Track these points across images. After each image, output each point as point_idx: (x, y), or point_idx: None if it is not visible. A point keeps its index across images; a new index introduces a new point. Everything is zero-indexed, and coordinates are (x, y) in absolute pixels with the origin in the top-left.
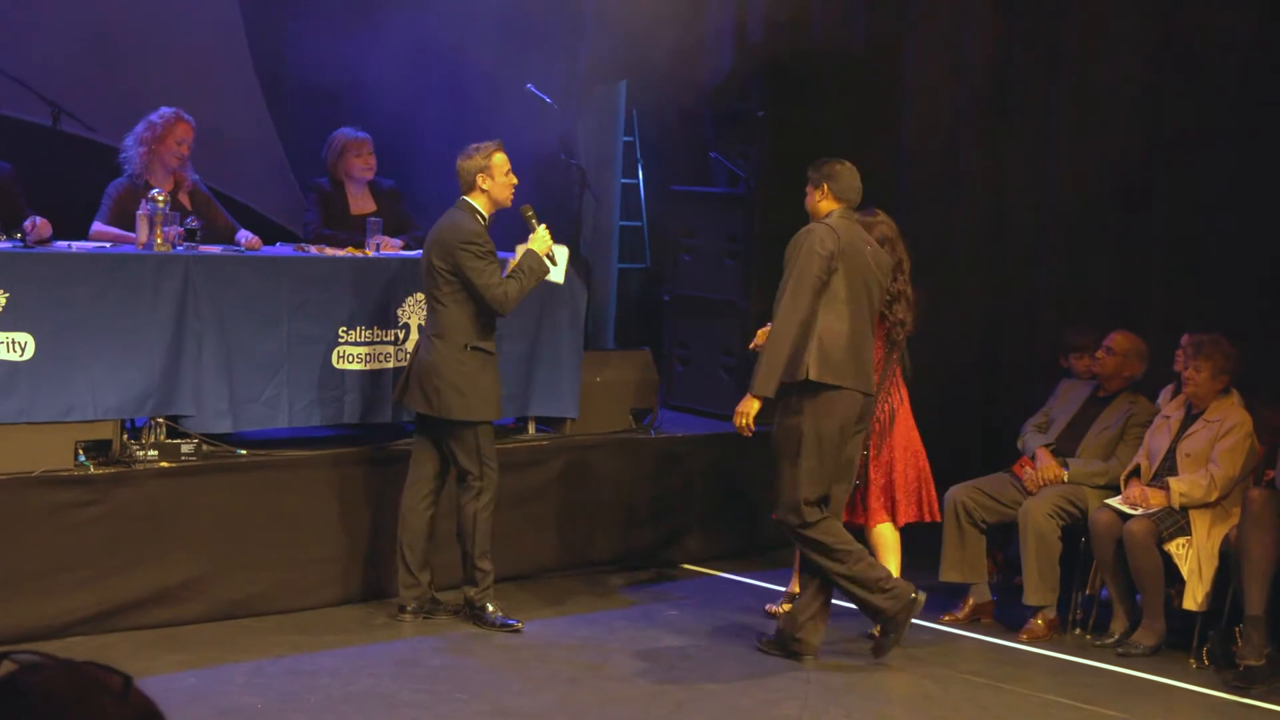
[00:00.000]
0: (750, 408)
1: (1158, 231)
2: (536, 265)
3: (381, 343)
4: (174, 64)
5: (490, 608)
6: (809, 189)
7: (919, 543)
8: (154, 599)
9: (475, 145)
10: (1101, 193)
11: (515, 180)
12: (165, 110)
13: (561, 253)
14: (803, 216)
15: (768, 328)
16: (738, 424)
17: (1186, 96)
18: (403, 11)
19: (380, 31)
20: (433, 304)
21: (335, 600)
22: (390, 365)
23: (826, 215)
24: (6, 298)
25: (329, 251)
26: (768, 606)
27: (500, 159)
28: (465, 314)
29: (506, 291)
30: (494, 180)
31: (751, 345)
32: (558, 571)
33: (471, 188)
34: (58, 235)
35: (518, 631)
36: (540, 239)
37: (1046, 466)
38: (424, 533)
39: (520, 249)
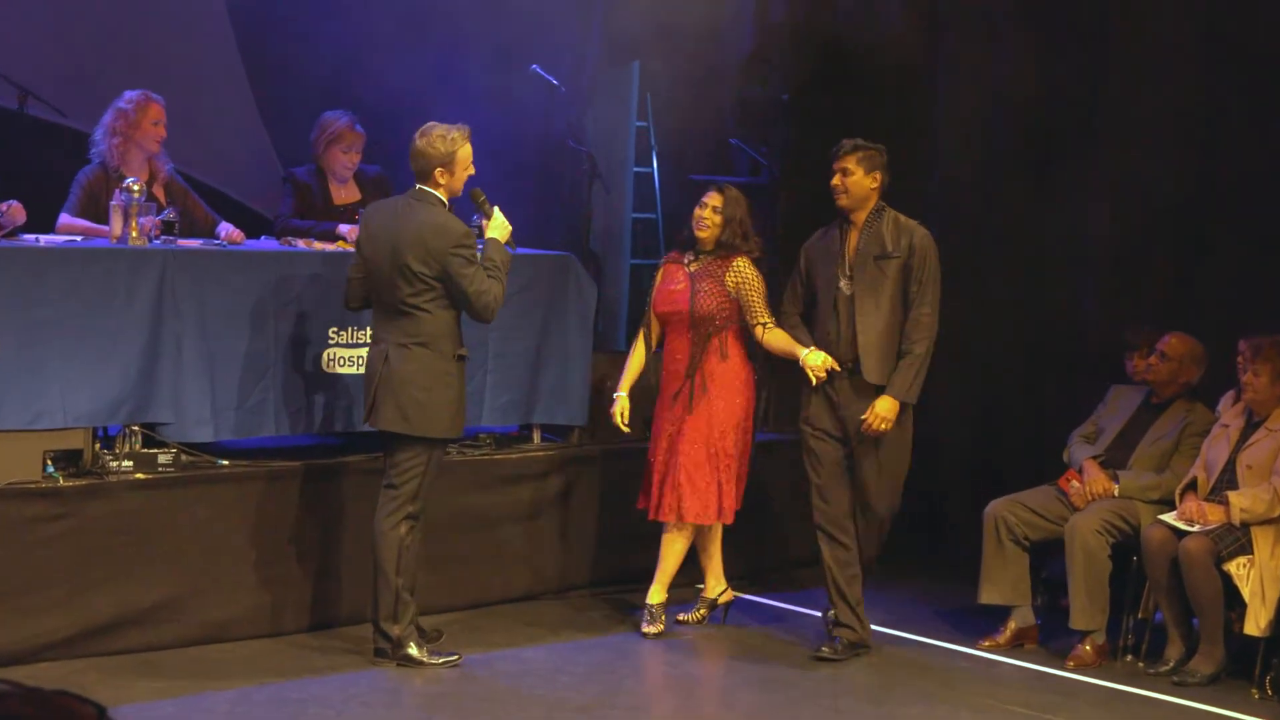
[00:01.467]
0: (893, 412)
1: (1216, 227)
2: (504, 257)
3: None
4: (147, 40)
5: (415, 650)
6: (862, 168)
7: (956, 560)
8: (129, 621)
9: (438, 128)
10: (1156, 191)
11: (473, 172)
12: (131, 94)
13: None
14: (827, 208)
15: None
16: (876, 426)
17: (1240, 103)
18: None
19: (374, 5)
20: (408, 309)
21: (323, 623)
22: None
23: (879, 206)
24: None
25: (318, 246)
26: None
27: (466, 152)
28: (451, 320)
29: (495, 296)
30: (453, 175)
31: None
32: (565, 593)
33: (427, 176)
34: (23, 228)
35: (457, 665)
36: (499, 225)
37: (1095, 479)
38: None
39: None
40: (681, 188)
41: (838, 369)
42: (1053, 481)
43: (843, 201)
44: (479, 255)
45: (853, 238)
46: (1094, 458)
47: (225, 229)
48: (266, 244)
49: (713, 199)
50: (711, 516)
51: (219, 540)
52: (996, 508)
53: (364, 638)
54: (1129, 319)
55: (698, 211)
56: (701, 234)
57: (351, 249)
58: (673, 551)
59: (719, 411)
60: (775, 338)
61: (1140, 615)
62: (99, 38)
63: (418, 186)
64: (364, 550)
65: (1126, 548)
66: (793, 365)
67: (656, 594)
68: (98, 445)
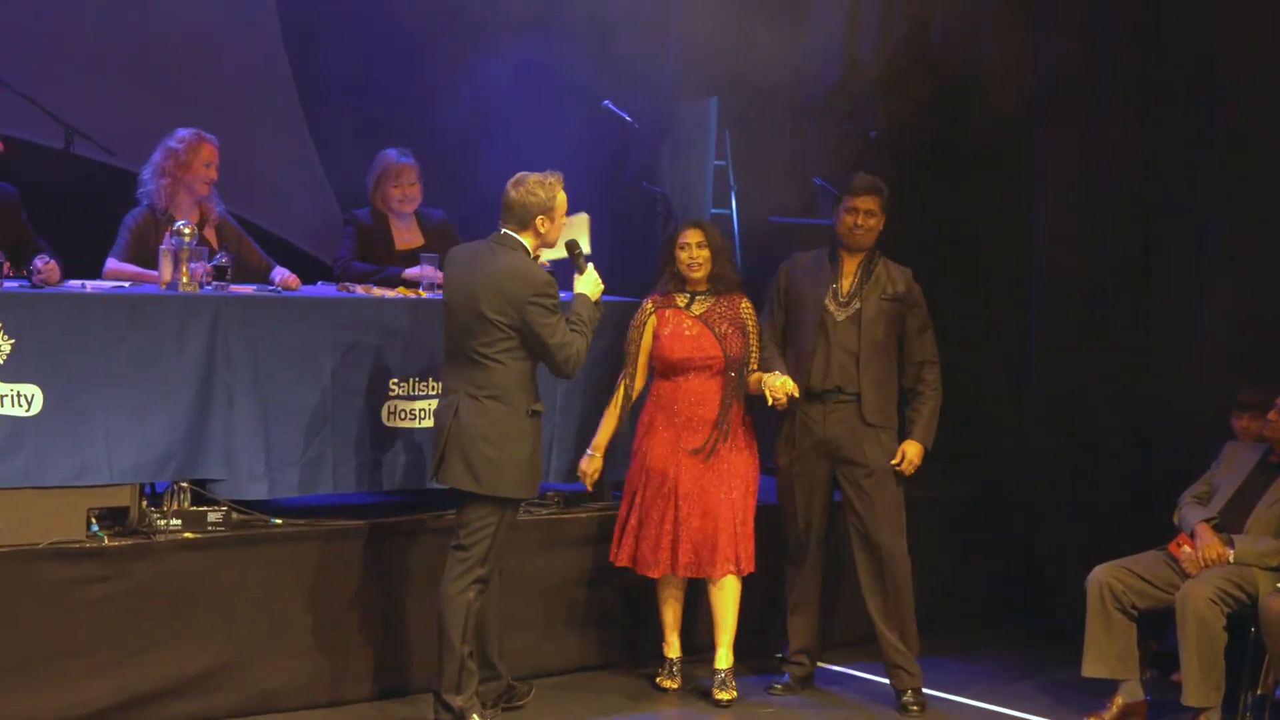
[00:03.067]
0: (921, 458)
1: None
2: (591, 313)
3: (437, 396)
4: (199, 78)
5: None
6: (880, 210)
7: (1058, 630)
8: (176, 689)
9: (534, 176)
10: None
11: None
12: (183, 132)
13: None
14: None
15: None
16: (908, 471)
17: None
18: (462, 20)
19: (437, 41)
20: (481, 360)
21: (385, 692)
22: None
23: (871, 249)
24: (11, 345)
25: (376, 292)
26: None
27: (564, 199)
28: (526, 372)
29: (579, 350)
30: (553, 224)
31: (781, 394)
32: (629, 667)
33: (525, 226)
34: (69, 272)
35: None
36: (591, 281)
37: (1208, 544)
38: (488, 618)
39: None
40: (762, 231)
41: (797, 396)
42: (1162, 546)
43: (863, 241)
44: (560, 307)
45: (848, 267)
46: (1207, 520)
47: (280, 274)
48: (323, 289)
49: (693, 235)
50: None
51: (273, 604)
52: (1101, 574)
53: (427, 707)
54: (1243, 369)
55: (681, 254)
56: (697, 274)
57: (413, 294)
58: (732, 608)
59: (749, 457)
60: (752, 380)
61: (1259, 691)
62: (149, 75)
63: (502, 231)
64: (428, 614)
65: (1243, 618)
66: None
67: (725, 659)
68: (145, 503)
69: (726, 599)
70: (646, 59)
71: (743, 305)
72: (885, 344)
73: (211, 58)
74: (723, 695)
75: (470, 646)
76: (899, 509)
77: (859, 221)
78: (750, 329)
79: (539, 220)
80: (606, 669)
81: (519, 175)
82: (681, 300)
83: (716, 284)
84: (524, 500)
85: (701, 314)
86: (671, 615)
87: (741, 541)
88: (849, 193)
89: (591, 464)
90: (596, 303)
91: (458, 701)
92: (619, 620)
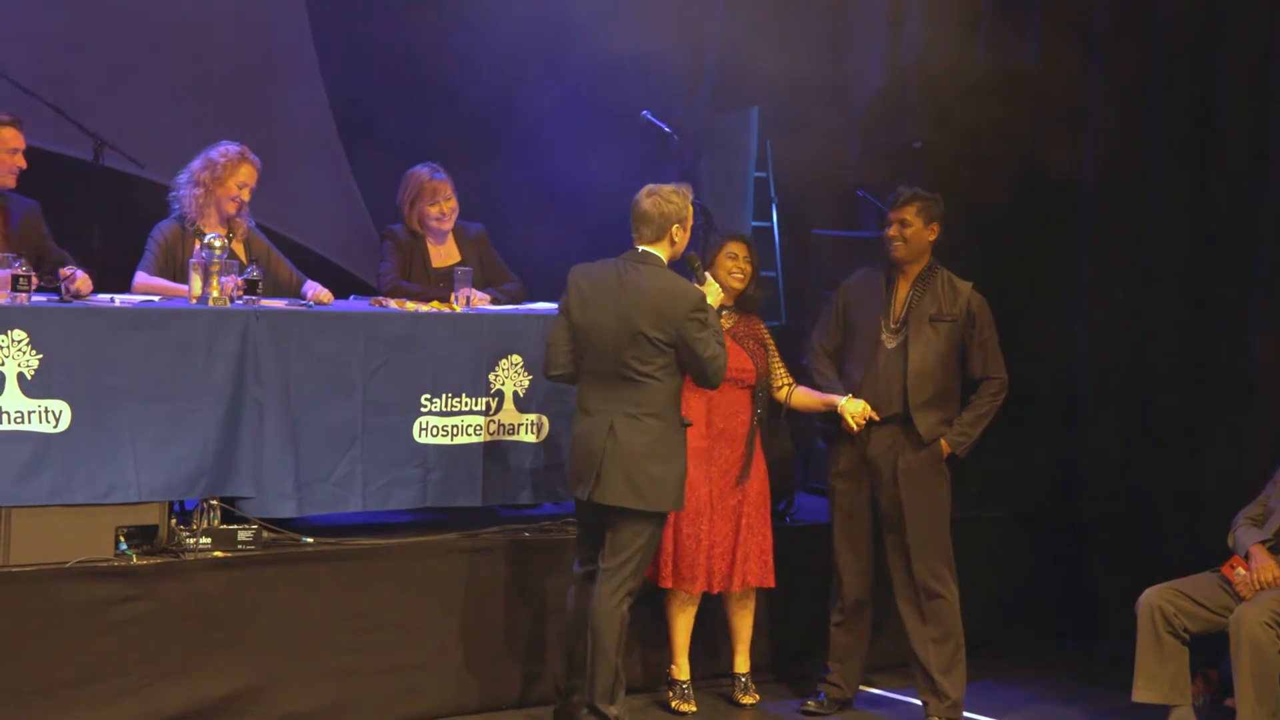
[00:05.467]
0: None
1: None
2: (718, 324)
3: (470, 413)
4: (232, 90)
5: None
6: (921, 219)
7: (1109, 654)
8: (204, 712)
9: (665, 187)
10: None
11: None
12: (229, 146)
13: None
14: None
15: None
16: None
17: None
18: (498, 34)
19: (469, 55)
20: (637, 378)
21: (416, 716)
22: (480, 439)
23: (932, 263)
24: (40, 359)
25: (410, 307)
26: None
27: (692, 210)
28: (677, 387)
29: (724, 361)
30: (685, 233)
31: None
32: (640, 689)
33: (662, 237)
34: (98, 286)
35: None
36: (714, 291)
37: (1264, 567)
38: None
39: None
40: (804, 243)
41: (876, 419)
42: (1215, 569)
43: (900, 253)
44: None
45: (902, 290)
46: (1262, 542)
47: (311, 288)
48: (355, 304)
49: (739, 249)
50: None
51: (303, 625)
52: (1153, 596)
53: None
54: None
55: (729, 264)
56: (739, 285)
57: (447, 309)
58: (749, 621)
59: (765, 472)
60: (803, 395)
61: None
62: (182, 87)
63: (640, 249)
64: (463, 635)
65: None
66: None
67: (745, 663)
68: (174, 521)
69: (749, 611)
70: (686, 69)
71: (760, 326)
72: (937, 368)
73: (248, 74)
74: (747, 699)
75: (621, 658)
76: (922, 517)
77: (893, 233)
78: (771, 349)
79: (675, 229)
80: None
81: (650, 186)
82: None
83: (742, 303)
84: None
85: (729, 329)
86: (683, 635)
87: (768, 554)
88: (888, 206)
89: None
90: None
91: (612, 711)
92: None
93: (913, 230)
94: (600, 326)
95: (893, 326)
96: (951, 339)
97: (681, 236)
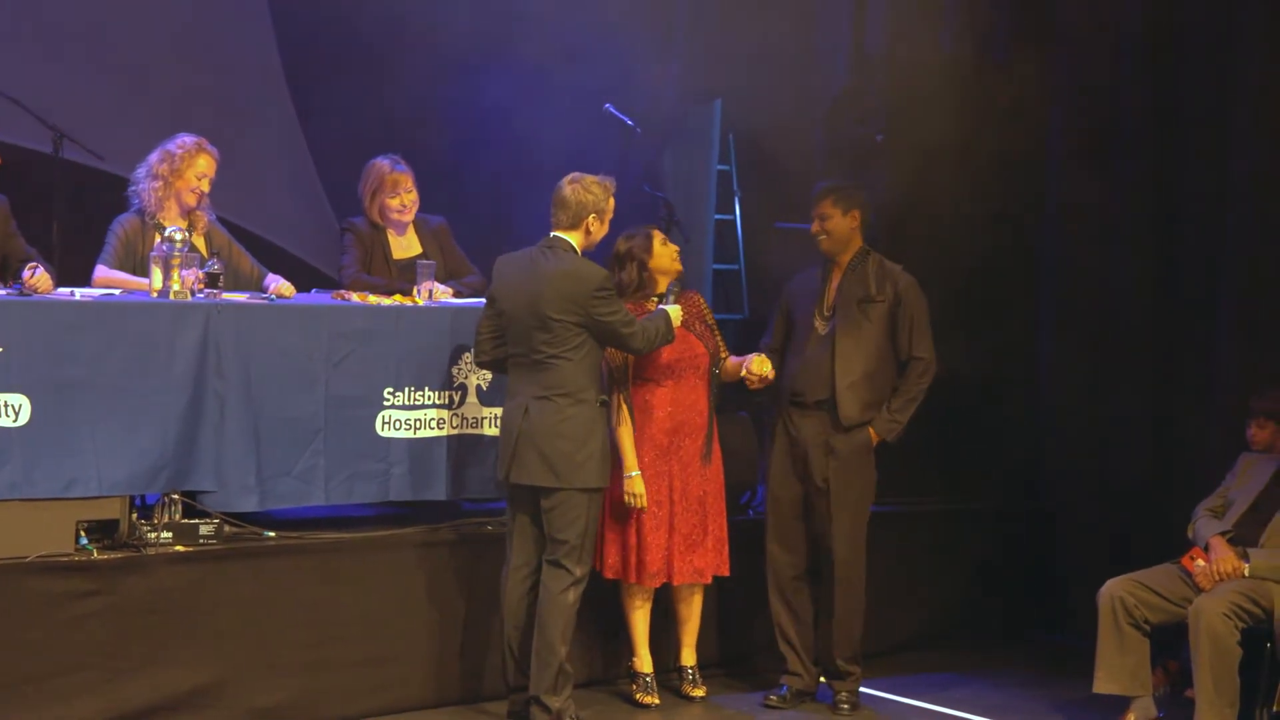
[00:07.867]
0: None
1: None
2: (665, 329)
3: (433, 406)
4: (191, 82)
5: None
6: (839, 209)
7: (1071, 645)
8: (167, 707)
9: (588, 177)
10: None
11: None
12: (185, 139)
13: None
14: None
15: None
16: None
17: None
18: (462, 25)
19: (434, 48)
20: (548, 360)
21: (379, 710)
22: (444, 432)
23: (864, 249)
24: None
25: (372, 300)
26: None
27: (612, 204)
28: (592, 366)
29: (644, 330)
30: (602, 225)
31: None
32: (603, 684)
33: (577, 225)
34: (59, 279)
35: None
36: (676, 310)
37: (1223, 558)
38: (528, 627)
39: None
40: (767, 236)
41: (770, 378)
42: (1175, 560)
43: (826, 246)
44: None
45: (835, 279)
46: (1222, 534)
47: (273, 281)
48: (317, 297)
49: (662, 235)
50: None
51: (266, 619)
52: (1113, 588)
53: None
54: (1260, 379)
55: (661, 249)
56: (680, 268)
57: (409, 302)
58: (697, 613)
59: (720, 459)
60: (731, 365)
61: (1275, 709)
62: (141, 79)
63: (552, 235)
64: (425, 629)
65: (1259, 633)
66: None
67: (692, 656)
68: (135, 515)
69: (697, 602)
70: (650, 61)
71: (699, 299)
72: (865, 350)
73: (208, 66)
74: (696, 692)
75: (568, 649)
76: (845, 511)
77: (815, 230)
78: (712, 323)
79: (591, 219)
80: (584, 686)
81: (574, 174)
82: (651, 305)
83: (681, 282)
84: (601, 490)
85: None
86: (642, 627)
87: (724, 543)
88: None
89: (638, 485)
90: (670, 326)
91: (555, 703)
92: (583, 635)
93: (833, 222)
94: (515, 314)
95: (825, 314)
96: (882, 323)
97: (597, 228)
